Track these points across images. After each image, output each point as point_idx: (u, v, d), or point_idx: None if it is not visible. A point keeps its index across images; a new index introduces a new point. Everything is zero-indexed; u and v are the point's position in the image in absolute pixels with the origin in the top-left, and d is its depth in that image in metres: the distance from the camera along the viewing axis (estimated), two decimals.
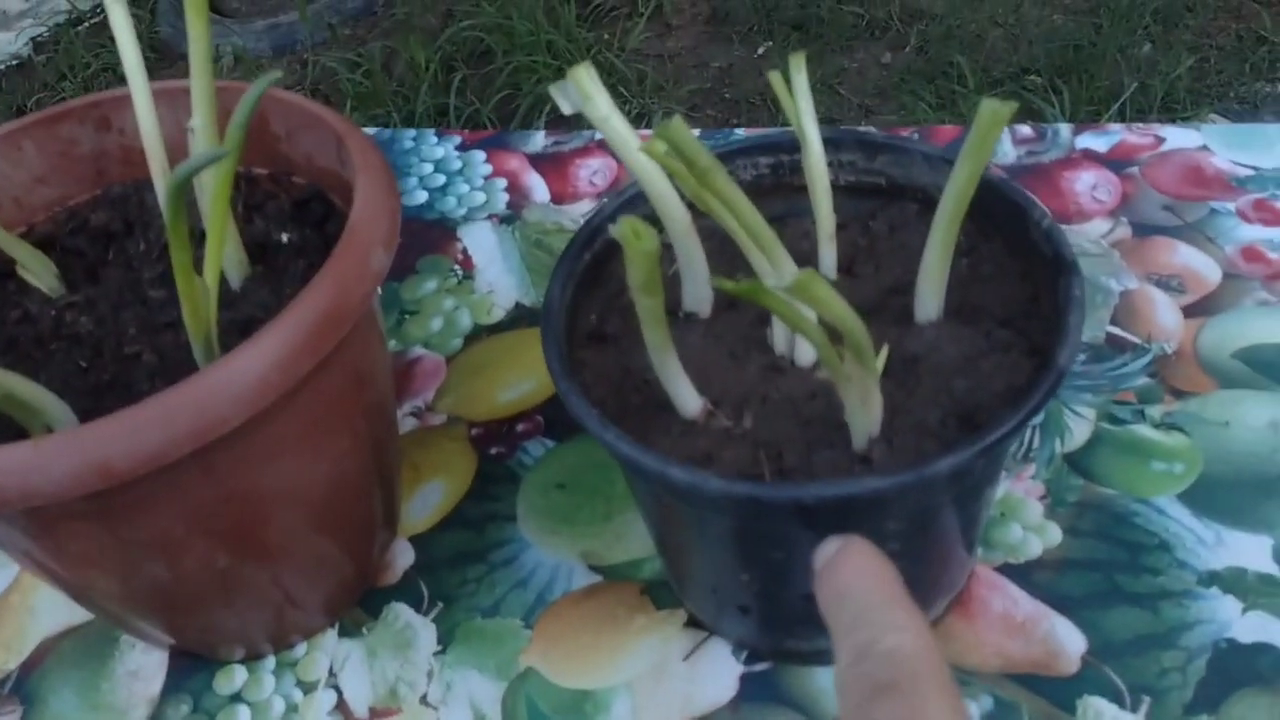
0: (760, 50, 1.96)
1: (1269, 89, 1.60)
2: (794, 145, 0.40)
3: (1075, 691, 0.38)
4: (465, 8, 2.07)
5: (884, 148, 0.40)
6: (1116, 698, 0.37)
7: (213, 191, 0.31)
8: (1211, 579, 0.40)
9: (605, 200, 0.40)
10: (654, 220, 0.39)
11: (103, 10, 2.37)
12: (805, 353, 0.36)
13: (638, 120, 1.88)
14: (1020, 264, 0.37)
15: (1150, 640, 0.38)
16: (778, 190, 0.41)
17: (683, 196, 0.36)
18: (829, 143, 0.39)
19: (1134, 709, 0.37)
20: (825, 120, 1.81)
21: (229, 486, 0.35)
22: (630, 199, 0.40)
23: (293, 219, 0.41)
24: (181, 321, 0.38)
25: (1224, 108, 1.58)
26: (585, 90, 0.34)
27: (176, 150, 0.40)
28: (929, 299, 0.35)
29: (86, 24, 2.36)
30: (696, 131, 0.60)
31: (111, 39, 2.25)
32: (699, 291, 0.38)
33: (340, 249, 0.34)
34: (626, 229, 0.29)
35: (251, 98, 0.30)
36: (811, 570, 0.28)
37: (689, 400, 0.35)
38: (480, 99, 1.91)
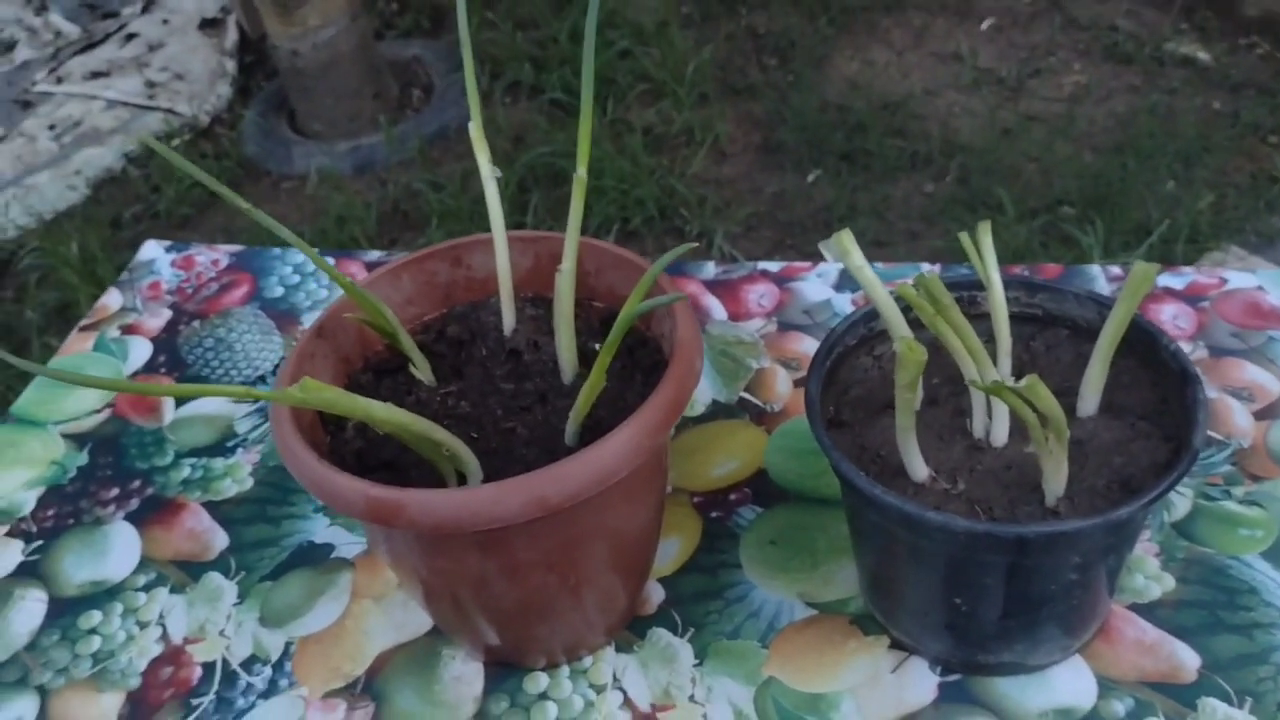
0: (810, 177, 2.13)
1: None
2: (974, 284, 0.54)
3: (1195, 694, 0.50)
4: (536, 135, 2.26)
5: (1042, 288, 0.54)
6: (1226, 699, 0.50)
7: (609, 340, 0.45)
8: None
9: (837, 324, 0.54)
10: (881, 336, 0.53)
11: (191, 129, 2.56)
12: (999, 436, 0.49)
13: (699, 238, 2.05)
14: (1150, 375, 0.51)
15: (1248, 658, 0.51)
16: None
17: (910, 323, 0.50)
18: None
19: (1240, 706, 0.50)
20: (874, 244, 1.97)
21: (575, 530, 0.48)
22: (854, 323, 0.54)
23: (599, 333, 0.55)
24: (533, 406, 0.52)
25: (1242, 240, 1.74)
26: (845, 248, 0.49)
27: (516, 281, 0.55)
28: (1090, 398, 0.49)
29: (179, 140, 2.53)
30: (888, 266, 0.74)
31: (202, 154, 2.44)
32: None
33: (676, 358, 0.48)
34: (904, 346, 0.43)
35: (661, 300, 0.44)
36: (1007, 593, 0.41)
37: (919, 468, 0.48)
38: (554, 218, 2.08)
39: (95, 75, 2.76)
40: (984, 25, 2.45)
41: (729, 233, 2.02)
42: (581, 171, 0.48)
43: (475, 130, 0.52)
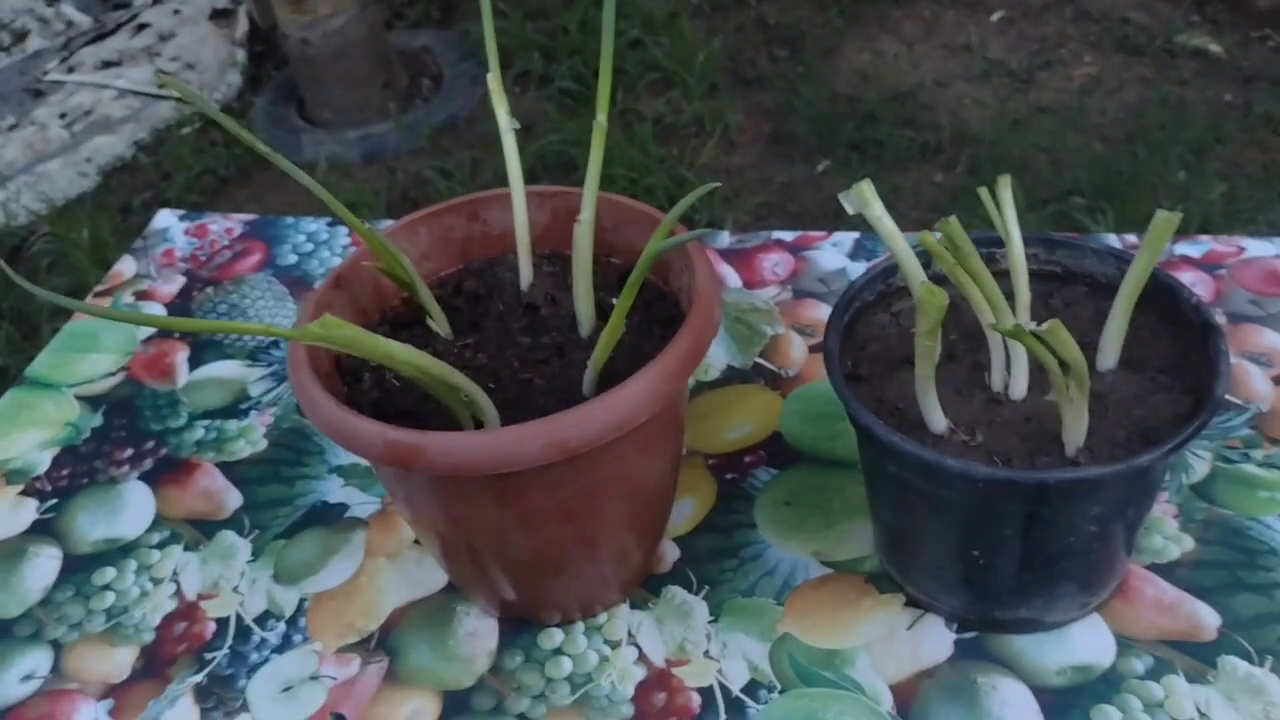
0: (820, 168, 2.13)
1: None
2: (995, 241, 0.54)
3: (1215, 653, 0.50)
4: (546, 124, 2.26)
5: (1061, 244, 0.54)
6: (1246, 657, 0.50)
7: (630, 282, 0.45)
8: None
9: (855, 279, 0.54)
10: (899, 293, 0.53)
11: (201, 117, 2.56)
12: (1018, 389, 0.49)
13: (709, 225, 2.05)
14: (1170, 329, 0.50)
15: (1268, 617, 0.51)
16: None
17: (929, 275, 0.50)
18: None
19: (1260, 664, 0.49)
20: None
21: (591, 479, 0.48)
22: (872, 279, 0.54)
23: (616, 289, 0.55)
24: (550, 358, 0.51)
25: (1254, 230, 1.74)
26: (865, 198, 0.48)
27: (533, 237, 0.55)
28: (1110, 352, 0.49)
29: (189, 128, 2.54)
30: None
31: (212, 143, 2.44)
32: None
33: (695, 307, 0.48)
34: (925, 290, 0.43)
35: (683, 238, 0.44)
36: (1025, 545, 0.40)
37: (938, 420, 0.48)
38: None
39: (106, 65, 2.77)
40: (994, 17, 2.45)
41: (738, 222, 2.01)
42: (601, 118, 0.48)
43: (494, 82, 0.52)
